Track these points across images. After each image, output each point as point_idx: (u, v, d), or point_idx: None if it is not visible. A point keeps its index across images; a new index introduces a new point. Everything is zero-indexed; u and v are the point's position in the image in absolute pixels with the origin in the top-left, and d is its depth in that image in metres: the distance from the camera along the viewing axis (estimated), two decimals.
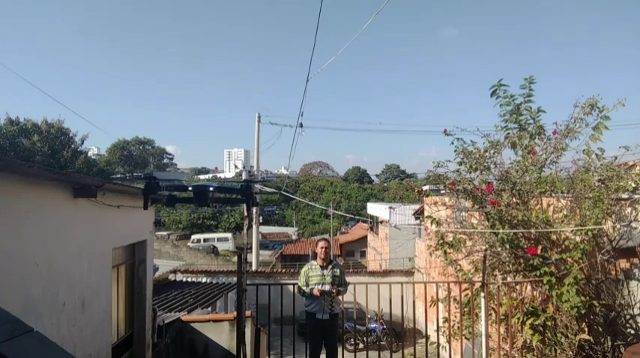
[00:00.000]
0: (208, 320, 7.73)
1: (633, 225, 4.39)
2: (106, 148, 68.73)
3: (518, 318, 4.43)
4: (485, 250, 4.57)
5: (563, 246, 4.43)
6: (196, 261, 28.95)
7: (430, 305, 5.08)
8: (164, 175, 74.79)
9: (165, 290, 11.85)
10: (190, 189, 2.87)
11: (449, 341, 5.24)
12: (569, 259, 4.25)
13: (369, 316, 8.06)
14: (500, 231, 4.36)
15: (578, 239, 4.29)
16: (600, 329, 4.36)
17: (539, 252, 4.36)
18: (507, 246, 4.52)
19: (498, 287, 4.70)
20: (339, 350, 5.29)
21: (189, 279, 15.23)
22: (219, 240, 34.69)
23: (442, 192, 6.71)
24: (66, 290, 3.82)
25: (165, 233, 37.50)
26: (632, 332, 4.29)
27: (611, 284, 4.42)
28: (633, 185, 4.36)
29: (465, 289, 4.90)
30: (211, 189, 2.82)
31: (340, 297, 5.28)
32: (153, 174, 2.74)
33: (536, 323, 4.30)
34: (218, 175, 69.39)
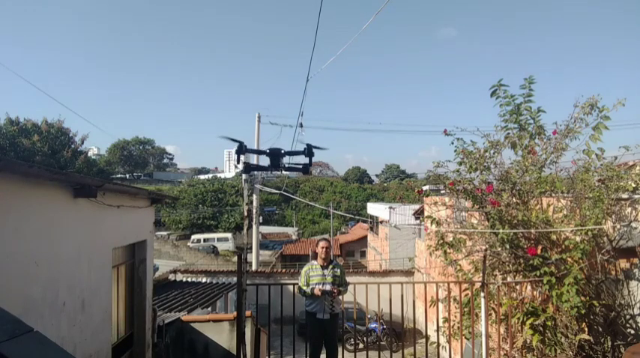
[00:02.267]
0: (208, 320, 7.72)
1: (633, 225, 4.39)
2: (106, 148, 68.80)
3: (518, 318, 4.43)
4: (486, 250, 4.56)
5: (563, 246, 4.43)
6: (196, 261, 28.98)
7: (430, 305, 5.08)
8: (164, 175, 74.93)
9: (165, 290, 11.84)
10: (268, 151, 3.28)
11: (449, 341, 5.24)
12: (569, 259, 4.25)
13: (369, 316, 8.05)
14: (500, 231, 4.36)
15: (578, 239, 4.29)
16: (600, 329, 4.36)
17: (539, 252, 4.36)
18: (507, 246, 4.52)
19: (498, 287, 4.70)
20: (339, 350, 5.28)
21: (189, 279, 15.22)
22: (219, 240, 34.69)
23: (442, 192, 6.71)
24: (66, 290, 3.82)
25: (165, 233, 37.52)
26: (632, 332, 4.28)
27: (611, 284, 4.42)
28: (633, 185, 4.36)
29: (465, 289, 4.89)
30: (283, 151, 3.26)
31: (340, 297, 5.27)
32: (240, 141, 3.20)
33: (536, 323, 4.30)
34: (218, 175, 69.34)
